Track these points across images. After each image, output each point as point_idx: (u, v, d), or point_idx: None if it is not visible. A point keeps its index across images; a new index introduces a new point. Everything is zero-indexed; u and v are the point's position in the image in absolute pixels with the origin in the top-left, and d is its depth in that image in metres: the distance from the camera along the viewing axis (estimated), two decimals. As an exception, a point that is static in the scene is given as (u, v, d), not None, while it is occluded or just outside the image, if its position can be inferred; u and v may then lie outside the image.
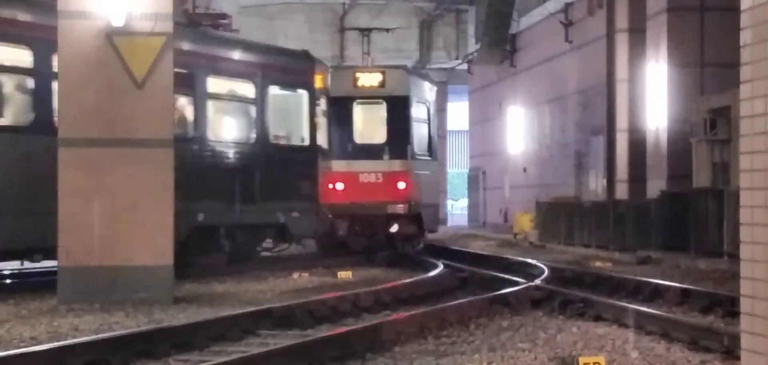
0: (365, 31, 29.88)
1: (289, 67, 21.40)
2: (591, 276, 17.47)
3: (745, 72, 6.60)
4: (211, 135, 19.02)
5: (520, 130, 41.95)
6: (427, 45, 47.16)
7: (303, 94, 21.54)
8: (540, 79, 39.33)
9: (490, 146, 46.17)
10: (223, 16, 21.50)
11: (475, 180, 49.21)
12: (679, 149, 27.46)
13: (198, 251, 18.53)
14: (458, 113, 56.85)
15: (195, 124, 18.48)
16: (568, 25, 35.86)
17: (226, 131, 19.86)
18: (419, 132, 25.13)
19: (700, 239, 22.55)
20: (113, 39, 13.82)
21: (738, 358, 7.40)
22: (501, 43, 41.92)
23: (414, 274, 18.45)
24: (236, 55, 20.07)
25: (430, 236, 28.91)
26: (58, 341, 9.74)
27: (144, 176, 13.89)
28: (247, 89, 19.94)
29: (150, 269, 13.74)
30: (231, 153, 19.39)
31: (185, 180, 15.76)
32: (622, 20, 32.29)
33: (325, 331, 10.87)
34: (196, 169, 17.82)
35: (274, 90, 20.63)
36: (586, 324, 11.82)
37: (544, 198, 34.87)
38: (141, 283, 13.64)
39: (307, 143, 21.53)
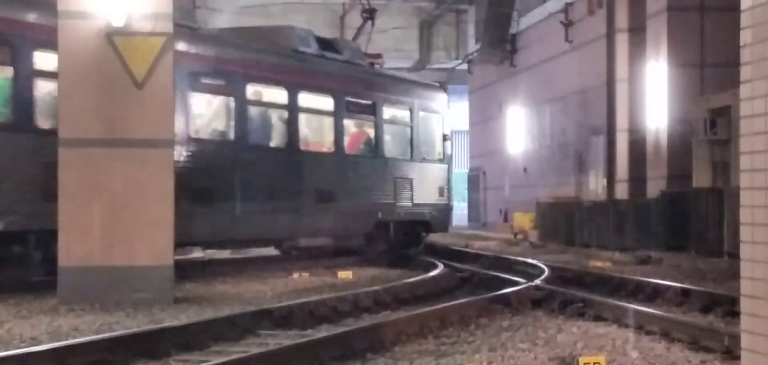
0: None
1: (430, 96, 25.78)
2: (591, 275, 17.47)
3: (745, 72, 6.60)
4: (386, 152, 23.63)
5: (520, 130, 41.97)
6: (427, 45, 47.19)
7: (439, 117, 25.91)
8: (540, 79, 39.35)
9: (490, 146, 46.19)
10: (379, 55, 26.23)
11: (475, 180, 49.24)
12: (679, 149, 27.49)
13: (377, 241, 23.46)
14: (458, 113, 56.86)
15: (376, 143, 23.24)
16: (568, 25, 35.89)
17: (395, 148, 24.24)
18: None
19: (700, 239, 22.56)
20: (113, 39, 13.82)
21: (738, 358, 7.40)
22: (501, 43, 41.95)
23: (414, 274, 18.45)
24: (399, 87, 24.64)
25: (430, 236, 28.85)
26: (58, 341, 9.74)
27: (144, 176, 13.88)
28: (406, 115, 24.55)
29: (150, 269, 13.74)
30: (397, 166, 23.86)
31: (370, 187, 22.48)
32: (622, 20, 32.33)
33: (325, 331, 10.86)
34: (375, 178, 22.91)
35: (422, 115, 25.01)
36: (586, 324, 11.82)
37: (544, 198, 34.89)
38: (141, 283, 13.64)
39: (441, 157, 25.88)
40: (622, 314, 11.90)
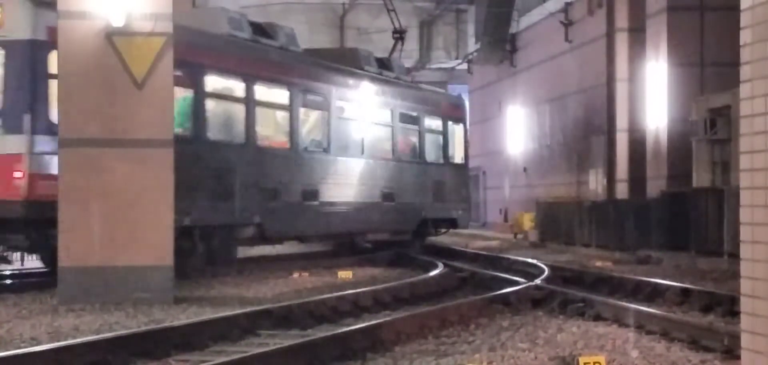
0: None
1: (455, 106, 29.39)
2: (591, 275, 17.46)
3: (745, 71, 6.60)
4: (427, 157, 26.91)
5: (520, 130, 41.97)
6: (427, 45, 47.18)
7: (461, 126, 29.19)
8: (540, 78, 39.35)
9: (490, 145, 46.20)
10: (410, 70, 30.54)
11: (475, 180, 49.24)
12: (679, 149, 27.49)
13: (421, 237, 27.03)
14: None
15: (420, 150, 26.67)
16: (568, 24, 35.89)
17: (432, 154, 27.37)
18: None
19: (700, 238, 22.55)
20: (113, 39, 13.82)
21: (738, 358, 7.40)
22: (501, 42, 41.95)
23: (414, 274, 18.45)
24: (434, 99, 28.36)
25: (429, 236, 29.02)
26: (58, 341, 9.74)
27: (144, 176, 13.88)
28: (440, 124, 27.74)
29: (150, 269, 13.74)
30: (434, 170, 27.19)
31: (417, 189, 26.07)
32: (621, 20, 32.34)
33: (325, 331, 10.86)
34: (420, 180, 26.38)
35: (450, 124, 28.21)
36: (586, 323, 11.82)
37: (543, 198, 34.89)
38: (141, 283, 13.64)
39: (463, 161, 29.22)
40: (622, 313, 11.90)
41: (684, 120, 27.32)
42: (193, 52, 17.75)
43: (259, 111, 20.10)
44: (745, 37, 6.59)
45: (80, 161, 13.80)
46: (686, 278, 17.26)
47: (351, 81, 23.60)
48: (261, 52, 20.60)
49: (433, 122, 27.42)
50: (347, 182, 22.92)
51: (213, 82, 18.87)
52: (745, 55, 6.60)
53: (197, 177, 17.70)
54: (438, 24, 47.34)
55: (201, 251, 18.31)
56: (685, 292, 14.02)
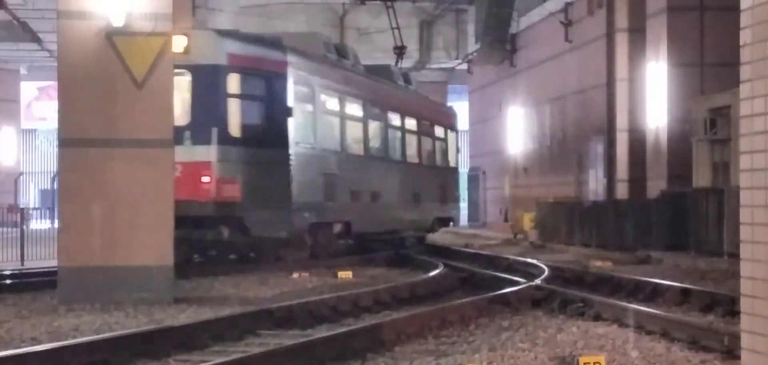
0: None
1: (451, 116, 32.33)
2: (591, 275, 17.45)
3: (744, 71, 6.60)
4: (437, 162, 29.66)
5: (520, 130, 41.97)
6: (427, 45, 47.15)
7: (454, 134, 31.94)
8: (540, 79, 39.35)
9: (490, 145, 46.20)
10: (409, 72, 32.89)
11: (475, 180, 49.24)
12: (679, 149, 27.48)
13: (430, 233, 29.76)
14: (458, 113, 56.81)
15: (433, 156, 29.43)
16: (567, 24, 35.89)
17: (440, 159, 30.16)
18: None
19: (700, 238, 22.56)
20: (113, 39, 13.83)
21: (738, 358, 7.40)
22: (501, 43, 41.94)
23: (414, 274, 18.45)
24: (439, 109, 32.34)
25: (430, 236, 29.06)
26: (58, 341, 9.74)
27: (144, 176, 13.89)
28: (443, 132, 30.58)
29: (150, 269, 13.74)
30: (440, 173, 29.96)
31: (432, 190, 29.07)
32: (621, 20, 32.32)
33: (325, 331, 10.86)
34: (434, 183, 29.23)
35: (449, 133, 31.05)
36: (586, 323, 11.82)
37: (543, 198, 34.89)
38: (141, 283, 13.64)
39: (456, 165, 32.22)
40: (622, 314, 11.89)
41: (684, 120, 27.33)
42: (312, 73, 21.18)
43: (347, 123, 23.23)
44: (745, 37, 6.59)
45: (80, 161, 13.81)
46: (686, 278, 17.25)
47: (393, 94, 26.62)
48: (346, 72, 23.69)
49: (439, 130, 30.24)
50: (394, 185, 26.00)
51: (323, 99, 22.00)
52: (745, 55, 6.60)
53: (316, 181, 21.19)
54: (438, 24, 47.28)
55: (309, 244, 21.17)
56: (685, 292, 14.01)
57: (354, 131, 23.87)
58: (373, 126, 25.04)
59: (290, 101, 19.97)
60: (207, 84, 18.66)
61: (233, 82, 19.02)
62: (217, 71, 18.80)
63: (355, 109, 23.75)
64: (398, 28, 33.02)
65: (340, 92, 22.69)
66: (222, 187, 18.55)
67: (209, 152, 18.45)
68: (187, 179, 17.99)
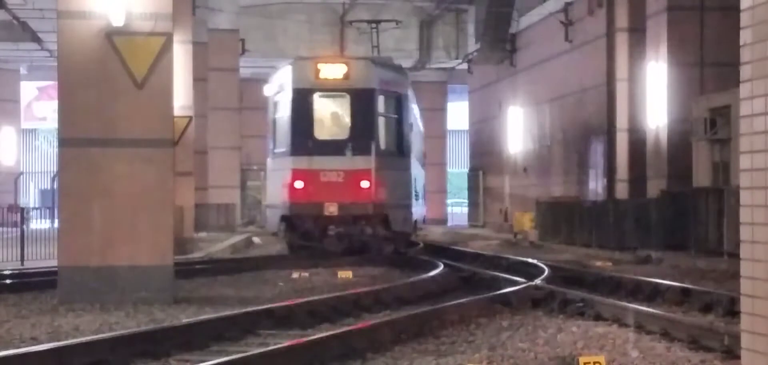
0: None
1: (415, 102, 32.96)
2: (591, 275, 17.45)
3: (745, 71, 6.60)
4: (420, 160, 29.99)
5: (519, 130, 41.95)
6: (427, 44, 47.13)
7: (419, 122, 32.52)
8: (540, 78, 39.33)
9: (490, 145, 46.18)
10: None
11: (475, 180, 49.22)
12: (679, 149, 27.45)
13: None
14: (458, 113, 56.84)
15: (421, 153, 30.86)
16: (567, 24, 35.86)
17: (420, 156, 30.16)
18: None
19: (700, 238, 22.55)
20: (113, 39, 13.83)
21: (738, 358, 7.40)
22: (501, 42, 41.91)
23: (414, 274, 18.45)
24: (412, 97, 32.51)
25: (430, 236, 29.08)
26: (58, 341, 9.74)
27: (144, 176, 13.89)
28: (421, 128, 31.18)
29: (150, 269, 13.74)
30: (420, 171, 29.85)
31: (418, 188, 28.48)
32: (622, 20, 32.28)
33: (325, 331, 10.86)
34: (419, 181, 29.13)
35: (419, 121, 31.16)
36: (586, 323, 11.82)
37: (543, 198, 34.87)
38: (141, 283, 13.64)
39: (423, 159, 32.87)
40: (622, 313, 11.89)
41: (684, 120, 27.31)
42: (412, 93, 25.42)
43: (413, 129, 25.78)
44: (745, 37, 6.59)
45: (80, 161, 13.81)
46: (686, 278, 17.25)
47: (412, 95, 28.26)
48: (408, 82, 25.85)
49: (419, 126, 30.70)
50: (418, 186, 27.62)
51: (414, 114, 25.86)
52: (745, 55, 6.60)
53: (416, 185, 24.88)
54: (438, 24, 47.27)
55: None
56: (685, 292, 14.02)
57: (414, 136, 26.48)
58: (415, 130, 27.18)
59: (410, 118, 24.51)
60: (365, 104, 22.87)
61: (381, 103, 23.43)
62: (372, 94, 23.02)
63: (413, 117, 26.40)
64: (377, 47, 33.62)
65: (410, 100, 25.61)
66: (377, 190, 22.46)
67: (368, 162, 22.23)
68: (349, 185, 22.36)
